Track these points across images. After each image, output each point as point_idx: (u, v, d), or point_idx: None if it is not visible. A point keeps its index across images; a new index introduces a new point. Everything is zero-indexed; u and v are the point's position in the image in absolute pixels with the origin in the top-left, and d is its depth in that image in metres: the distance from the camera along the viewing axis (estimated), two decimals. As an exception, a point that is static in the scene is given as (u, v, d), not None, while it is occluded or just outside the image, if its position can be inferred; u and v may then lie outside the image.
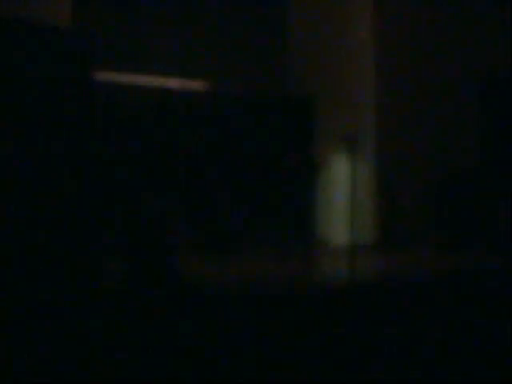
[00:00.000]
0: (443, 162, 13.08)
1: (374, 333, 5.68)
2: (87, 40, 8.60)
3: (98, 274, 7.39)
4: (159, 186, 11.13)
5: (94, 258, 7.65)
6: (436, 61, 13.45)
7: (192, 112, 11.94)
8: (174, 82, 12.53)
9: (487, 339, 5.54)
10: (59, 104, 8.22)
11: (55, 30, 8.49)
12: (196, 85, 12.97)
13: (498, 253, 10.78)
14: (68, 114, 8.31)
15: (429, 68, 13.53)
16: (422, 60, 13.64)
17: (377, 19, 14.05)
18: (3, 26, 7.69)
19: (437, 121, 13.32)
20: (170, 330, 5.81)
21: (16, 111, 7.70)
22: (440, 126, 13.24)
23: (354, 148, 6.50)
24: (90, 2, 11.13)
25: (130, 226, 7.95)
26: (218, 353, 5.06)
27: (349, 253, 7.85)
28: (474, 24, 12.75)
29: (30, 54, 7.91)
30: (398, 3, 14.12)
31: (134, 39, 11.63)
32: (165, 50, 12.00)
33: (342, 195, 10.94)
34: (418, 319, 6.35)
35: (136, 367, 4.70)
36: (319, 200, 13.64)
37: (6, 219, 7.49)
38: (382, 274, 9.61)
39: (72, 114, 8.35)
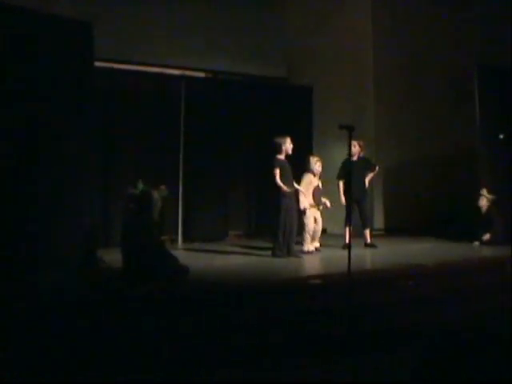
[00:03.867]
0: (440, 151, 13.18)
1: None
2: (87, 27, 8.68)
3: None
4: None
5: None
6: (434, 52, 13.52)
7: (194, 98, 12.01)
8: (173, 69, 12.61)
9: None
10: (59, 89, 8.31)
11: (55, 17, 8.56)
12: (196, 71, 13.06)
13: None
14: (68, 100, 8.40)
15: (426, 59, 13.60)
16: (419, 51, 13.71)
17: (375, 12, 14.10)
18: (4, 14, 7.77)
19: (434, 110, 13.41)
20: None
21: (15, 96, 7.77)
22: (437, 115, 13.33)
23: (352, 136, 6.53)
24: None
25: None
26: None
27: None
28: (470, 16, 12.84)
29: (30, 40, 7.98)
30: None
31: (134, 26, 11.67)
32: (165, 37, 12.05)
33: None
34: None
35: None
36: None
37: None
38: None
39: (72, 100, 8.44)
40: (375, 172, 11.28)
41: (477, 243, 11.17)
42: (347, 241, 8.30)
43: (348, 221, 9.93)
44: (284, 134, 9.80)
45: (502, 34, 12.12)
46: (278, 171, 9.48)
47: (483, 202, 11.31)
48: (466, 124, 12.29)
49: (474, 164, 11.91)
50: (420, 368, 4.40)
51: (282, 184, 9.46)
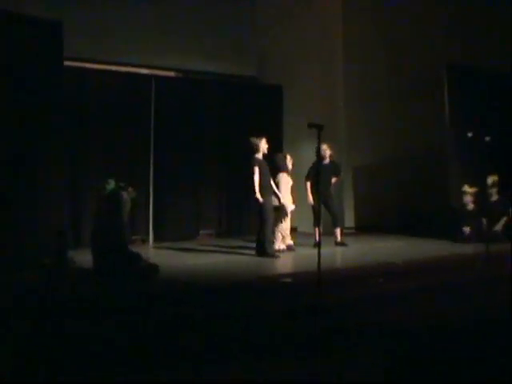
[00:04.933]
0: (411, 149, 13.28)
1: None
2: (56, 27, 8.62)
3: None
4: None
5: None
6: (404, 52, 13.62)
7: (164, 97, 11.98)
8: (143, 68, 12.57)
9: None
10: (29, 89, 8.24)
11: (25, 16, 8.49)
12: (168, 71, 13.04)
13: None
14: (38, 99, 8.33)
15: (397, 58, 13.70)
16: (390, 51, 13.82)
17: (346, 11, 14.16)
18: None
19: (405, 110, 13.50)
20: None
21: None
22: (408, 114, 13.42)
23: (321, 135, 6.56)
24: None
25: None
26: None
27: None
28: (440, 16, 12.95)
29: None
30: None
31: (104, 25, 11.63)
32: (135, 36, 12.03)
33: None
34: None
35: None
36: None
37: None
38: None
39: (42, 99, 8.37)
40: (338, 178, 11.37)
41: (465, 231, 11.25)
42: (317, 239, 8.38)
43: (317, 220, 10.02)
44: (258, 134, 9.84)
45: (471, 33, 12.26)
46: (257, 169, 9.50)
47: (467, 199, 11.34)
48: (436, 123, 12.38)
49: (444, 162, 12.00)
50: (393, 368, 4.44)
51: (257, 189, 9.44)
